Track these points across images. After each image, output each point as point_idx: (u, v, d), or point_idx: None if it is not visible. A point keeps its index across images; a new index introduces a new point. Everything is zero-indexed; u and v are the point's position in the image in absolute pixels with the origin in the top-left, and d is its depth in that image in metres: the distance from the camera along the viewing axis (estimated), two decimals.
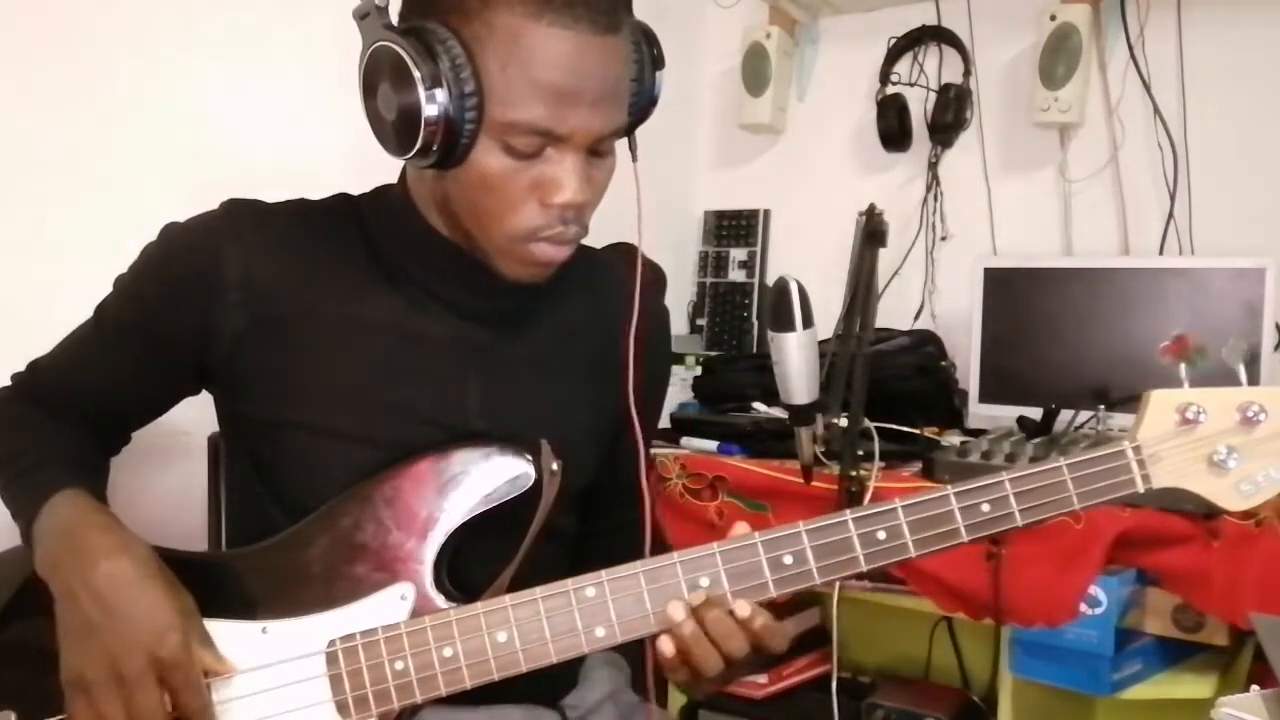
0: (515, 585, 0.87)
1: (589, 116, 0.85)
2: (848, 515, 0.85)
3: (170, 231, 0.97)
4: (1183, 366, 0.82)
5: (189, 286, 0.94)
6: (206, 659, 0.85)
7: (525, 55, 0.82)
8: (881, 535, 0.84)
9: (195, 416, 1.20)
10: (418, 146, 0.84)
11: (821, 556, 0.85)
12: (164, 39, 1.43)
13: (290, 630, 0.88)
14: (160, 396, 1.04)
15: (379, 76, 0.86)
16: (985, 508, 0.84)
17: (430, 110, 0.82)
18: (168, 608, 0.84)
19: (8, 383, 1.05)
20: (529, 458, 0.91)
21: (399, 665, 0.86)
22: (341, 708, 0.86)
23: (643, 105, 0.93)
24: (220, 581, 0.90)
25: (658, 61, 0.93)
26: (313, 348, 0.94)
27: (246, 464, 0.99)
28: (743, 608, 0.83)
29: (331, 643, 0.87)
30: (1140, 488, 0.82)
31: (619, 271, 1.04)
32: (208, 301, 0.93)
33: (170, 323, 0.95)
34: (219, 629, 0.87)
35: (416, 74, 0.82)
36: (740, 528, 0.87)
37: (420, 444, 0.92)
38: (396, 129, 0.85)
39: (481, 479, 0.90)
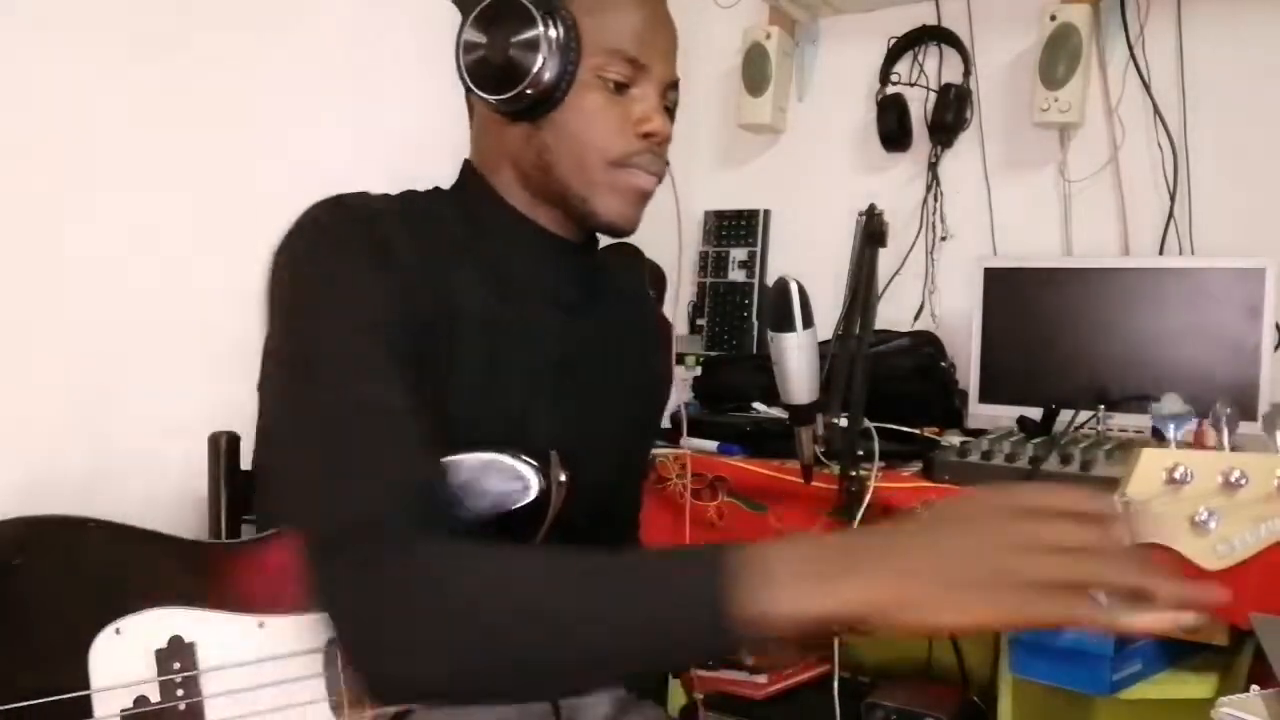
0: None
1: (666, 56, 1.00)
2: None
3: (316, 241, 0.91)
4: (1171, 426, 0.86)
5: (378, 260, 0.90)
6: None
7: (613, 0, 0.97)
8: None
9: (195, 416, 1.20)
10: (526, 89, 0.95)
11: None
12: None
13: (288, 626, 0.87)
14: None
15: (489, 23, 0.96)
16: None
17: (541, 53, 0.94)
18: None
19: (384, 525, 0.80)
20: (537, 466, 0.91)
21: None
22: (336, 707, 0.86)
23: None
24: (219, 572, 0.89)
25: None
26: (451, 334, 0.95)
27: None
28: None
29: (330, 641, 0.87)
30: (1126, 540, 0.82)
31: (637, 276, 1.10)
32: (396, 277, 0.90)
33: (399, 293, 0.89)
34: (214, 620, 0.87)
35: (536, 17, 0.94)
36: None
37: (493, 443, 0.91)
38: (504, 72, 0.95)
39: (487, 485, 0.90)
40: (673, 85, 1.02)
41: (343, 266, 0.89)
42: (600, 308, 1.08)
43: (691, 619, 0.71)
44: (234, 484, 1.23)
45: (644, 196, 1.02)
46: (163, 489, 1.37)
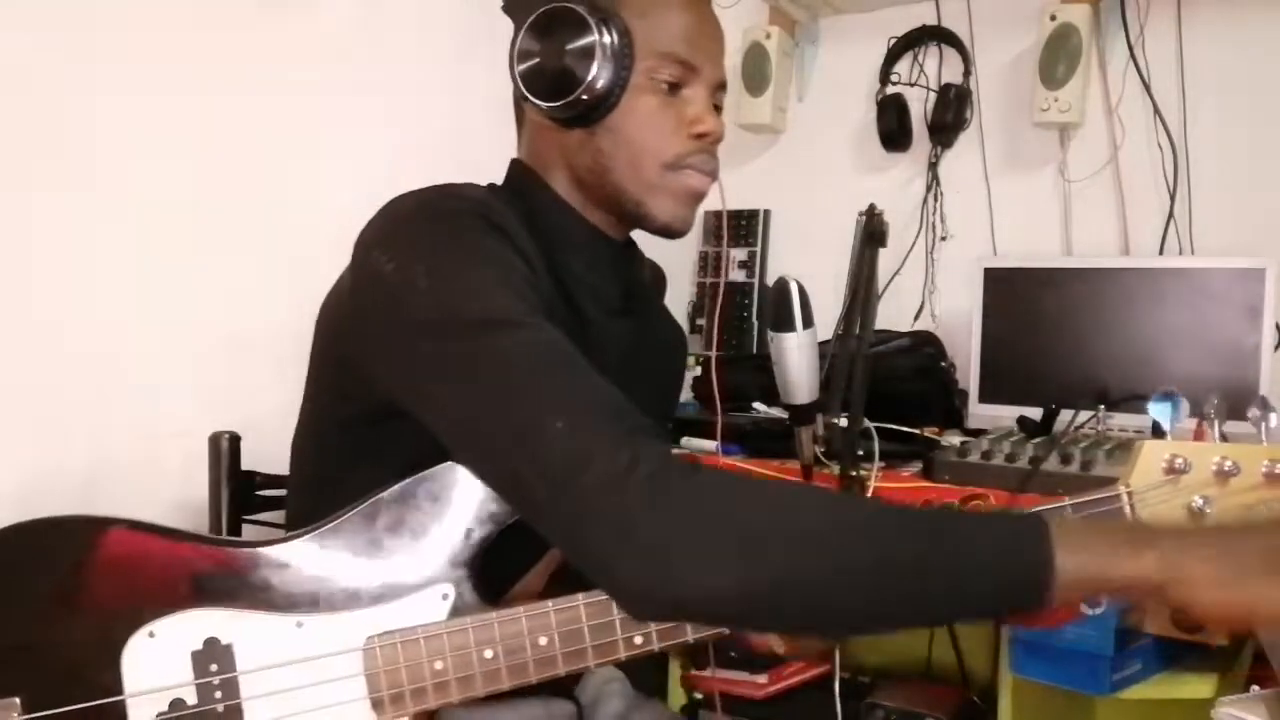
0: (559, 590, 0.87)
1: (715, 57, 1.02)
2: None
3: (454, 203, 0.92)
4: (1169, 416, 0.91)
5: (504, 241, 0.91)
6: None
7: (663, 4, 0.99)
8: None
9: (195, 416, 1.20)
10: (581, 96, 0.96)
11: None
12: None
13: (326, 625, 0.86)
14: None
15: (544, 32, 0.98)
16: None
17: (596, 60, 0.96)
18: None
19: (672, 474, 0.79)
20: None
21: (438, 665, 0.85)
22: (376, 705, 0.86)
23: None
24: (255, 573, 0.88)
25: None
26: None
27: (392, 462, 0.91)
28: None
29: (370, 640, 0.86)
30: None
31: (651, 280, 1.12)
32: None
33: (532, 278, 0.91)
34: (253, 621, 0.86)
35: (591, 25, 0.95)
36: None
37: None
38: (560, 80, 0.97)
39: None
40: (721, 86, 1.04)
41: (480, 241, 0.89)
42: (635, 311, 1.10)
43: (1015, 576, 0.76)
44: (234, 484, 1.23)
45: (697, 197, 1.02)
46: (163, 489, 1.37)
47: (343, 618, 0.86)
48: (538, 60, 0.98)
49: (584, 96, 0.96)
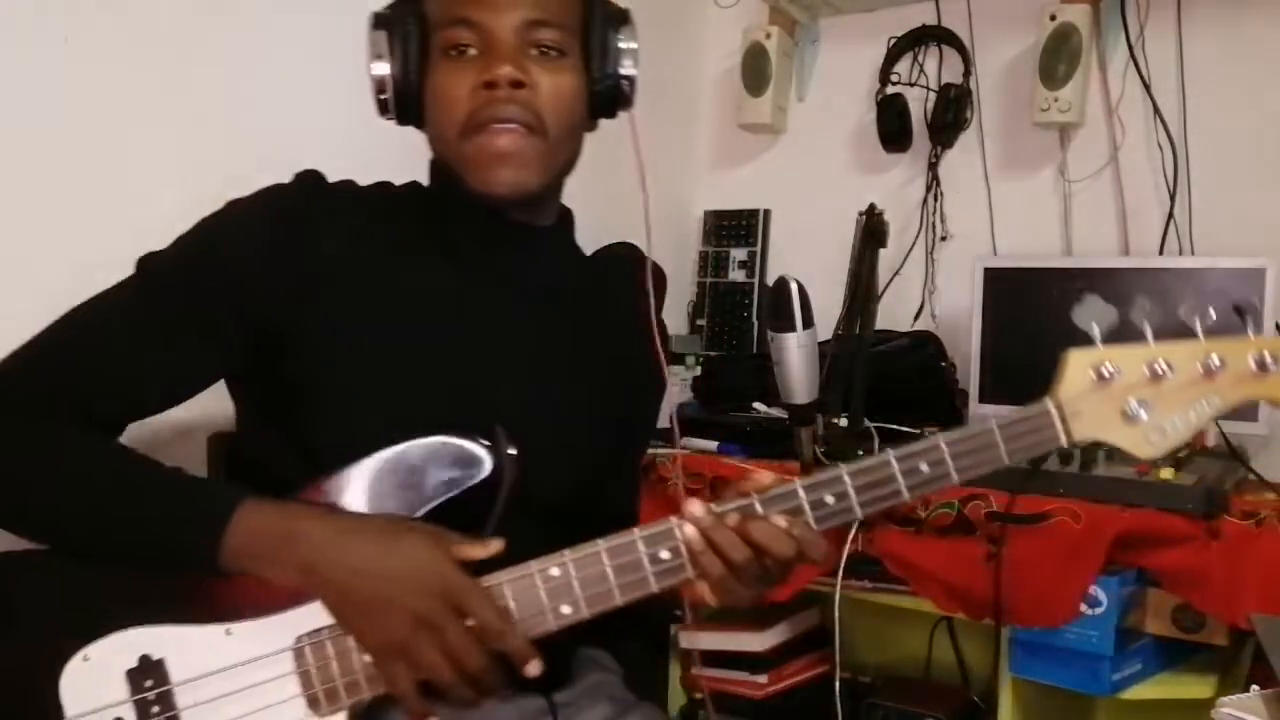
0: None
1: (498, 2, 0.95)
2: (797, 484, 0.88)
3: (250, 197, 0.97)
4: (1094, 326, 0.89)
5: (284, 240, 0.94)
6: (473, 555, 0.87)
7: None
8: (829, 500, 0.87)
9: (195, 416, 1.20)
10: (380, 97, 0.98)
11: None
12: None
13: (255, 630, 0.87)
14: (191, 377, 0.97)
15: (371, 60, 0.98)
16: (924, 468, 0.88)
17: (386, 60, 0.96)
18: (425, 545, 0.86)
19: None
20: (486, 445, 0.91)
21: (367, 655, 0.86)
22: (312, 702, 0.87)
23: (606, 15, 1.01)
24: (180, 585, 0.88)
25: None
26: (370, 315, 0.96)
27: (275, 442, 0.97)
28: (780, 519, 0.86)
29: (299, 639, 0.87)
30: (1063, 441, 0.89)
31: (629, 272, 1.10)
32: (296, 253, 0.94)
33: (261, 274, 0.93)
34: (181, 634, 0.87)
35: (372, 28, 0.97)
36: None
37: (454, 423, 0.92)
38: (382, 101, 0.98)
39: (440, 468, 0.90)
40: (530, 25, 0.95)
41: (234, 229, 0.95)
42: (571, 296, 1.06)
43: (177, 557, 0.87)
44: None
45: (502, 156, 0.95)
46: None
47: (270, 621, 0.87)
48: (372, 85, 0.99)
49: (381, 96, 0.98)
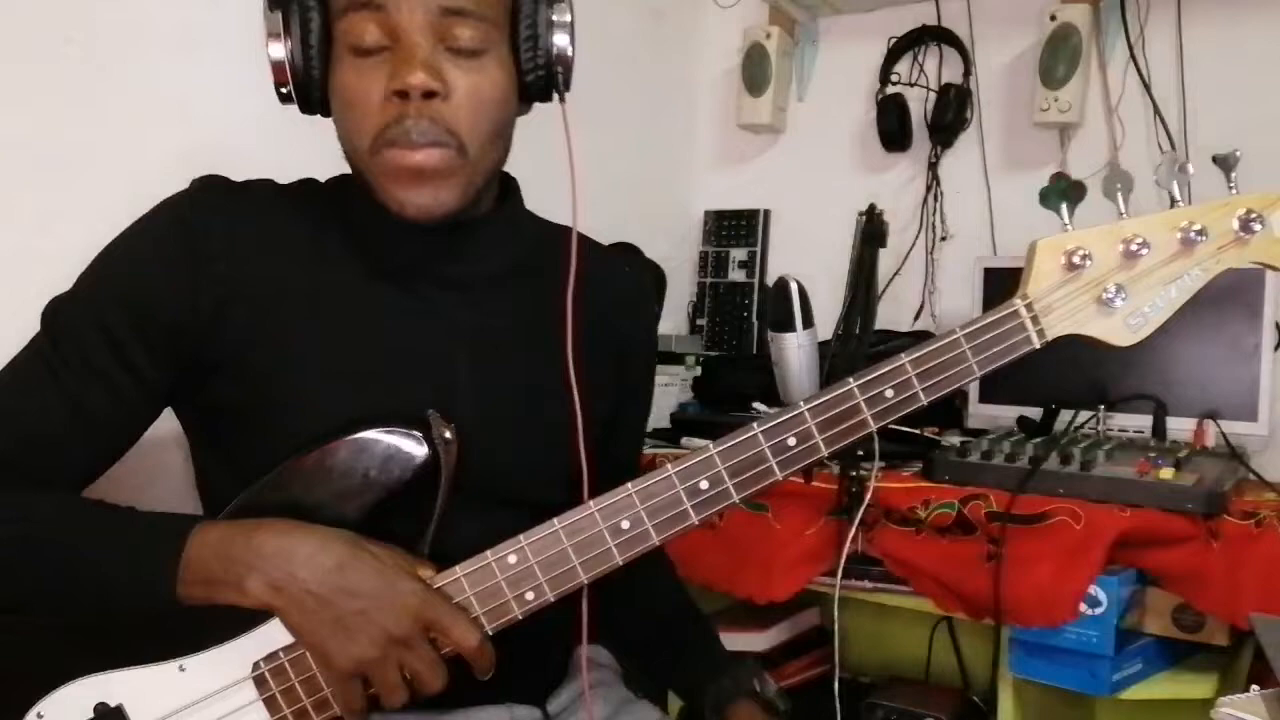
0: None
1: None
2: (755, 428, 0.85)
3: (143, 220, 0.91)
4: (1063, 207, 0.80)
5: (180, 262, 0.88)
6: (432, 573, 0.85)
7: None
8: (792, 441, 0.85)
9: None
10: (280, 89, 0.89)
11: (736, 474, 0.85)
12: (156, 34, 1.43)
13: (209, 663, 0.84)
14: (130, 419, 0.92)
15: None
16: (889, 393, 0.84)
17: (282, 43, 0.87)
18: (390, 562, 0.83)
19: None
20: (419, 435, 0.86)
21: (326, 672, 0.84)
22: None
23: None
24: (125, 628, 0.86)
25: None
26: (290, 324, 0.90)
27: (217, 465, 0.95)
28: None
29: (256, 665, 0.84)
30: (1036, 343, 0.83)
31: (613, 264, 1.07)
32: (196, 275, 0.88)
33: (164, 304, 0.88)
34: (135, 677, 0.84)
35: (266, 22, 0.88)
36: None
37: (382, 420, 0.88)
38: (283, 92, 0.90)
39: (376, 466, 0.86)
40: (443, 13, 0.84)
41: (129, 256, 0.90)
42: (518, 274, 0.99)
43: (140, 591, 0.82)
44: None
45: (417, 174, 0.86)
46: (162, 490, 1.37)
47: (222, 651, 0.84)
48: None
49: (282, 90, 0.89)
